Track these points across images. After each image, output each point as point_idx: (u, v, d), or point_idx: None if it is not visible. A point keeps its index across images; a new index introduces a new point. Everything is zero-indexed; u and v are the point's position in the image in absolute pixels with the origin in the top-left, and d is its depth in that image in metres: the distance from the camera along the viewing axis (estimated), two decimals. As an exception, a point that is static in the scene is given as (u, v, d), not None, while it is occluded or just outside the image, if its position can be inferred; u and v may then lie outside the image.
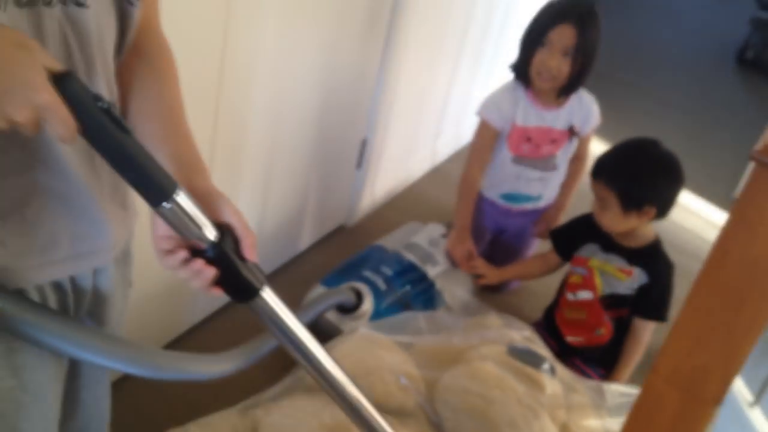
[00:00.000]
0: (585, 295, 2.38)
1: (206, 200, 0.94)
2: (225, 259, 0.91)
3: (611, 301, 2.34)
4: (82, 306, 1.05)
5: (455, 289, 2.48)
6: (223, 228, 0.93)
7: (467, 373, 1.89)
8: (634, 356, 2.34)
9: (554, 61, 2.43)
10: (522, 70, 2.54)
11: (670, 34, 6.64)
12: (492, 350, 1.99)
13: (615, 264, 2.32)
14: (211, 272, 0.91)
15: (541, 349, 2.09)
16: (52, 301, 0.98)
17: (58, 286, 0.99)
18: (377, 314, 2.24)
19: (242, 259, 0.94)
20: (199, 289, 0.93)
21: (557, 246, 2.53)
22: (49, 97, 0.71)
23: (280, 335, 1.04)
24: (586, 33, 2.41)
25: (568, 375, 2.07)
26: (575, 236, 2.45)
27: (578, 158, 2.75)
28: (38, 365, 0.98)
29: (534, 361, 1.98)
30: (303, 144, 2.48)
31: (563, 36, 2.40)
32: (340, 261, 2.51)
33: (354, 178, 2.95)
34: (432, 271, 2.49)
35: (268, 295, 0.99)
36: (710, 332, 1.15)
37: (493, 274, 2.61)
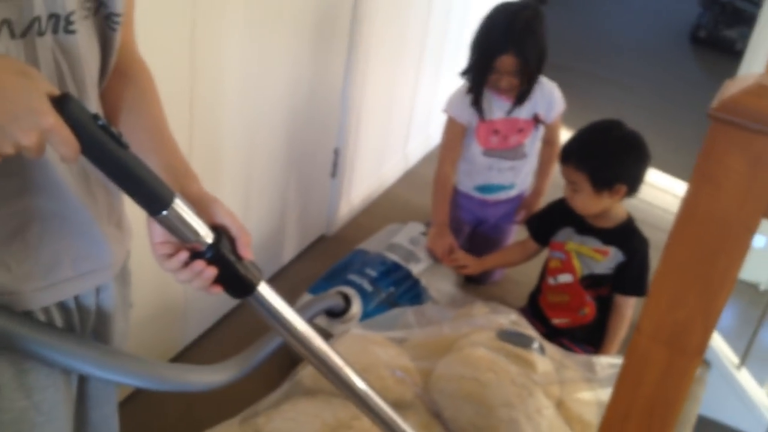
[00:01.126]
0: (565, 278, 2.44)
1: (200, 204, 0.98)
2: (222, 258, 0.96)
3: (591, 282, 2.40)
4: (86, 325, 1.08)
5: (440, 284, 2.52)
6: (218, 229, 0.97)
7: (460, 360, 1.94)
8: (619, 331, 2.40)
9: (504, 83, 2.55)
10: (477, 86, 2.63)
11: (623, 21, 6.77)
12: (482, 336, 2.04)
13: (591, 245, 2.38)
14: (211, 272, 0.95)
15: (529, 330, 2.14)
16: (59, 321, 1.02)
17: (63, 307, 1.02)
18: (366, 315, 2.28)
19: (239, 257, 0.98)
20: (200, 288, 0.98)
21: (533, 233, 2.58)
22: (53, 121, 0.75)
23: (280, 328, 1.08)
24: (526, 53, 2.50)
25: (558, 352, 2.13)
26: (550, 221, 2.50)
27: (549, 143, 2.82)
28: (49, 385, 1.01)
29: (523, 342, 2.03)
30: (277, 159, 2.52)
31: (506, 64, 2.51)
32: (324, 270, 2.55)
33: (330, 187, 2.99)
34: (415, 269, 2.54)
35: (265, 290, 1.03)
36: (687, 287, 1.20)
37: (474, 264, 2.66)
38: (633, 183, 2.29)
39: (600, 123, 2.39)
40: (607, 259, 2.35)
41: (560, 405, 1.97)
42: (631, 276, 2.35)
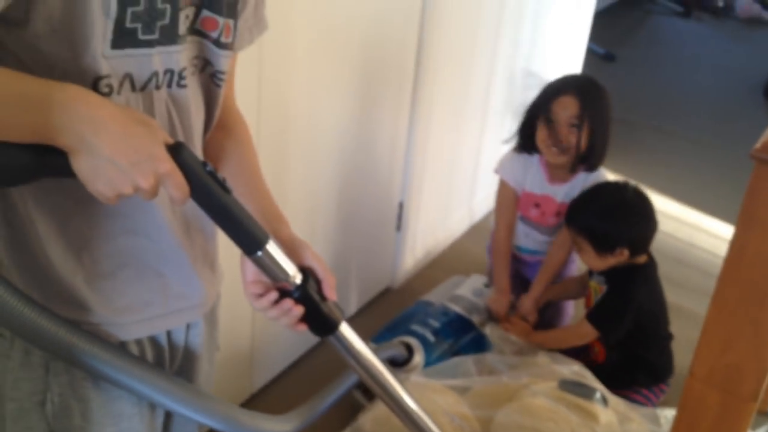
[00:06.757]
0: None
1: (290, 246, 1.07)
2: (309, 298, 1.03)
3: None
4: (175, 361, 1.15)
5: (504, 335, 2.52)
6: (305, 271, 1.05)
7: (520, 408, 1.94)
8: (559, 334, 2.51)
9: (562, 135, 2.42)
10: (527, 143, 2.57)
11: (694, 77, 6.71)
12: (543, 386, 2.03)
13: (599, 282, 2.43)
14: (298, 311, 1.03)
15: (592, 381, 2.13)
16: (150, 354, 1.10)
17: (154, 341, 1.10)
18: (428, 365, 2.29)
19: (323, 298, 1.05)
20: (286, 326, 1.05)
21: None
22: (169, 167, 0.84)
23: (357, 366, 1.15)
24: (590, 104, 2.41)
25: (622, 404, 2.10)
26: None
27: (562, 242, 2.64)
28: (136, 415, 1.08)
29: (585, 392, 2.01)
30: (340, 212, 2.58)
31: (566, 105, 2.41)
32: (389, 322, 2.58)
33: (395, 240, 3.03)
34: (479, 320, 2.55)
35: (346, 329, 1.10)
36: (738, 330, 1.20)
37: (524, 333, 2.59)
38: (635, 246, 2.31)
39: (604, 186, 2.43)
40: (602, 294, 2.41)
41: (623, 457, 1.94)
42: (598, 303, 2.38)
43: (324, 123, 2.32)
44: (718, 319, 1.21)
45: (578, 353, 2.46)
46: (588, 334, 2.38)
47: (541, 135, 2.47)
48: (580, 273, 2.74)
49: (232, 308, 1.47)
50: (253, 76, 1.93)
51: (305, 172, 2.30)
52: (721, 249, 3.46)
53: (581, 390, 2.03)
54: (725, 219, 3.94)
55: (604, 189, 2.40)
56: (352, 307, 2.86)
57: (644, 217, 2.32)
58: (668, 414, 2.09)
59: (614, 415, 2.03)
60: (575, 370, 2.16)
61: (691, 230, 3.81)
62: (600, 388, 2.08)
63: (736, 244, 1.14)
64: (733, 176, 4.59)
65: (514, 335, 2.48)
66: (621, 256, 2.30)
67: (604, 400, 2.04)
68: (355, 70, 2.41)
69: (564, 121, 2.41)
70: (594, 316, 2.37)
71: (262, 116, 2.00)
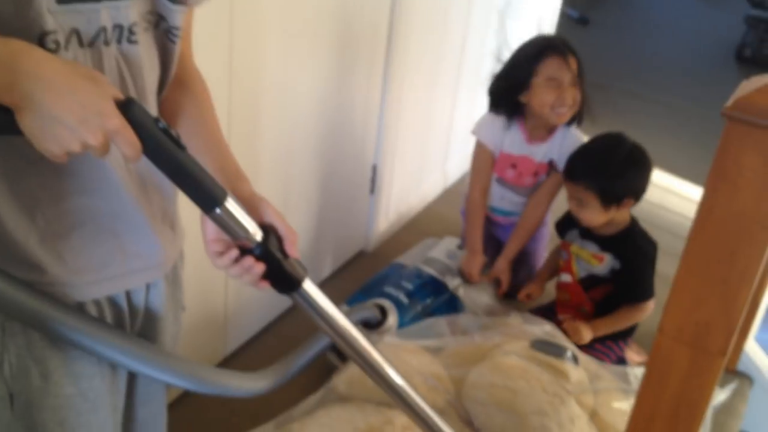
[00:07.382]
0: (566, 278, 2.53)
1: (250, 204, 1.05)
2: (270, 255, 1.02)
3: (591, 282, 2.45)
4: (135, 322, 1.14)
5: (477, 296, 2.54)
6: (266, 228, 1.03)
7: (492, 368, 1.96)
8: (623, 317, 2.41)
9: (568, 96, 2.46)
10: (509, 108, 2.59)
11: (667, 42, 6.73)
12: (515, 346, 2.06)
13: (589, 250, 2.44)
14: (259, 268, 1.01)
15: (563, 340, 2.15)
16: (109, 316, 1.08)
17: (113, 302, 1.08)
18: (402, 327, 2.31)
19: (285, 255, 1.04)
20: (249, 283, 1.03)
21: (557, 228, 2.64)
22: (118, 122, 0.81)
23: (323, 323, 1.13)
24: (579, 61, 2.49)
25: (593, 363, 2.13)
26: (569, 218, 2.55)
27: (540, 200, 2.69)
28: (96, 374, 1.07)
29: (556, 351, 2.04)
30: (314, 175, 2.57)
31: (570, 66, 2.45)
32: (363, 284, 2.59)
33: (369, 203, 3.03)
34: (452, 282, 2.56)
35: (309, 286, 1.08)
36: (707, 287, 1.21)
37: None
38: (639, 194, 2.35)
39: (604, 139, 2.43)
40: (602, 264, 2.40)
41: (594, 415, 1.97)
42: (626, 284, 2.39)
43: (297, 88, 2.30)
44: (688, 277, 1.22)
45: (570, 312, 2.51)
46: (647, 310, 2.39)
47: (546, 98, 2.48)
48: (552, 241, 2.77)
49: (204, 271, 1.46)
50: (225, 43, 1.91)
51: (279, 137, 2.28)
52: (693, 211, 3.51)
53: (552, 349, 2.06)
54: (697, 182, 3.99)
55: (606, 143, 2.40)
56: (326, 270, 2.86)
57: (646, 165, 2.35)
58: (637, 372, 2.12)
59: (585, 374, 2.05)
60: (546, 330, 2.18)
61: (663, 193, 3.85)
62: (571, 347, 2.10)
63: (705, 203, 1.15)
64: (705, 139, 4.63)
65: (575, 336, 2.34)
66: (625, 207, 2.33)
67: (575, 359, 2.07)
68: (328, 35, 2.39)
69: (570, 80, 2.46)
70: (640, 294, 2.37)
71: (234, 82, 1.97)
